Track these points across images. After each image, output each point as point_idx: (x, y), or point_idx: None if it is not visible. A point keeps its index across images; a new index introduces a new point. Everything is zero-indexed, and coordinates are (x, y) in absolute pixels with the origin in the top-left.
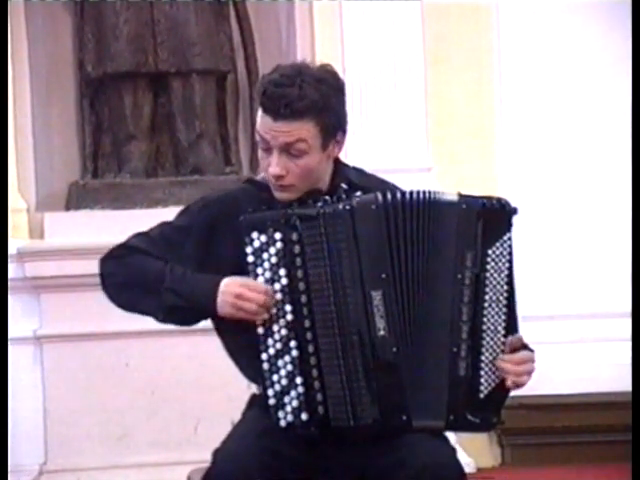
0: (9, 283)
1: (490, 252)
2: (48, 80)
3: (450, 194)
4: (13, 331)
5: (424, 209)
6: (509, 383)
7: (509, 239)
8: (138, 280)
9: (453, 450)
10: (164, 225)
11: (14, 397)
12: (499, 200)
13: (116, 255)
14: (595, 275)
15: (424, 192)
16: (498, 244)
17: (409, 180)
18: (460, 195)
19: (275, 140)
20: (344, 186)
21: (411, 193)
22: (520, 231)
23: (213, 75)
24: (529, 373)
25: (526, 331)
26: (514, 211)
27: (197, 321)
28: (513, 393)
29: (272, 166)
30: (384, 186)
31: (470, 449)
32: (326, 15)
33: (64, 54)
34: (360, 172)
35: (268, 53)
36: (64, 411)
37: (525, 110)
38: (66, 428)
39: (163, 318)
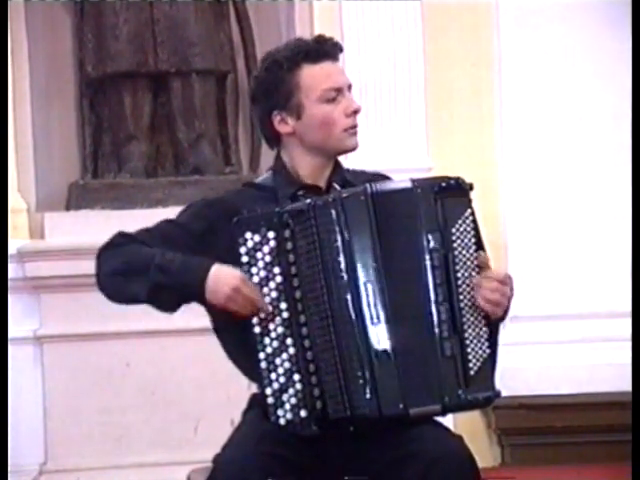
0: (9, 283)
1: (454, 231)
2: (48, 80)
3: (403, 181)
4: (13, 331)
5: (385, 200)
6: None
7: (471, 214)
8: (129, 265)
9: (461, 439)
10: (165, 222)
11: (14, 397)
12: (455, 179)
13: (114, 243)
14: (595, 275)
15: (378, 183)
16: (460, 221)
17: None
18: (412, 180)
19: (343, 78)
20: (337, 187)
21: (371, 186)
22: (520, 231)
23: (213, 75)
24: (503, 295)
25: (526, 331)
26: (470, 187)
27: (179, 305)
28: (513, 393)
29: (354, 103)
30: (374, 178)
31: (470, 449)
32: (326, 15)
33: (64, 54)
34: (354, 172)
35: None
36: (64, 411)
37: (525, 110)
38: (66, 428)
39: (147, 297)
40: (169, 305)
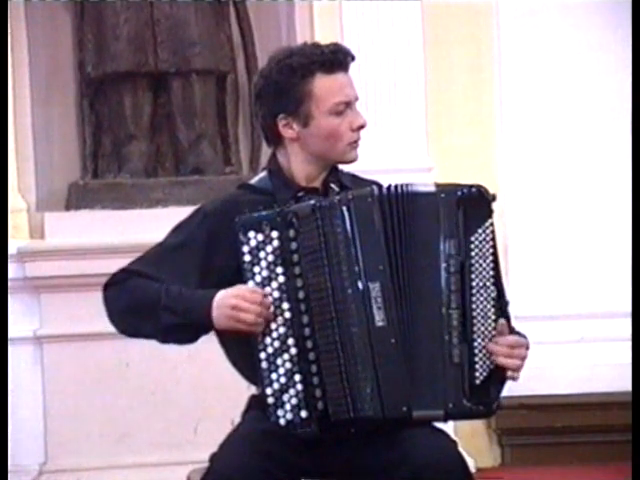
0: (9, 283)
1: (473, 239)
2: (48, 80)
3: (427, 184)
4: (13, 331)
5: (406, 201)
6: (500, 360)
7: (491, 225)
8: (137, 304)
9: (455, 443)
10: (160, 246)
11: (14, 397)
12: (477, 188)
13: (116, 281)
14: (595, 275)
15: (402, 185)
16: (480, 231)
17: (409, 180)
18: (437, 185)
19: (354, 92)
20: (335, 188)
21: (391, 187)
22: (520, 231)
23: (213, 75)
24: (521, 358)
25: (526, 331)
26: (493, 198)
27: (197, 338)
28: (513, 393)
29: (360, 118)
30: (369, 185)
31: (470, 449)
32: (326, 15)
33: (64, 54)
34: (352, 176)
35: (268, 53)
36: (64, 411)
37: (525, 110)
38: (66, 428)
39: (163, 339)
40: (186, 340)
